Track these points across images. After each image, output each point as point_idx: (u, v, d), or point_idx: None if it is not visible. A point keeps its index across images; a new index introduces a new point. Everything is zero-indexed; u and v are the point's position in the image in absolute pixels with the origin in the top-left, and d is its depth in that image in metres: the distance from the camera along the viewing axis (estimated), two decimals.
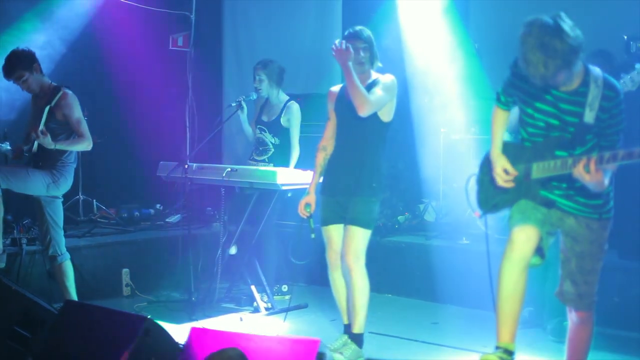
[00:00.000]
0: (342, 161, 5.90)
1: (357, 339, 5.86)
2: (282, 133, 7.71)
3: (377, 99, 5.71)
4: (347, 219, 5.81)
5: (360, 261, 5.78)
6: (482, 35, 8.89)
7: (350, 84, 5.64)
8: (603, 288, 4.83)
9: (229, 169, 7.11)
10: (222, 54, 10.78)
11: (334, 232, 5.93)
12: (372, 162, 5.83)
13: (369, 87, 5.77)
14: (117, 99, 9.76)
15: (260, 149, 7.80)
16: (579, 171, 4.35)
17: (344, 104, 5.85)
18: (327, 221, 5.96)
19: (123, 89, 9.83)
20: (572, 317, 4.82)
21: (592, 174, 4.30)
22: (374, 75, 5.90)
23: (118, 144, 9.51)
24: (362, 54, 5.78)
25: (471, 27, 9.14)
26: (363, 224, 5.76)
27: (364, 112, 5.63)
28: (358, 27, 5.91)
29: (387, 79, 5.85)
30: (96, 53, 9.50)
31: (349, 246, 5.77)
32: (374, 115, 5.75)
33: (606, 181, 4.44)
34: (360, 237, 5.77)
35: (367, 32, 5.89)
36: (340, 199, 5.85)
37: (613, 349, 6.09)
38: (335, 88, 6.07)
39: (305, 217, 5.98)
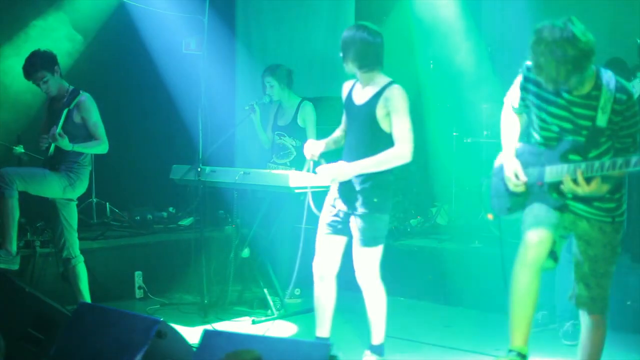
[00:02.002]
0: None
1: (378, 350, 5.78)
2: (301, 134, 7.74)
3: (408, 134, 5.44)
4: (354, 238, 5.58)
5: (371, 280, 5.61)
6: (495, 38, 8.90)
7: (379, 168, 5.46)
8: (616, 291, 4.83)
9: (242, 172, 7.11)
10: (234, 57, 10.80)
11: (325, 243, 5.70)
12: (374, 176, 5.48)
13: (375, 96, 5.47)
14: (130, 102, 9.79)
15: (282, 153, 7.82)
16: (569, 186, 4.39)
17: (349, 107, 5.68)
18: (322, 229, 5.72)
19: (136, 92, 9.87)
20: (585, 321, 4.82)
21: (582, 186, 4.35)
22: (380, 80, 5.55)
23: (131, 147, 9.54)
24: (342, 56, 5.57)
25: (484, 30, 9.15)
26: (367, 244, 5.52)
27: (406, 156, 5.43)
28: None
29: (398, 101, 5.46)
30: (109, 56, 9.53)
31: (357, 267, 5.61)
32: (377, 127, 5.47)
33: (604, 188, 4.45)
34: (367, 257, 5.55)
35: (345, 38, 5.52)
36: (340, 212, 5.63)
37: (626, 353, 6.07)
38: (348, 84, 5.78)
39: (308, 158, 5.79)
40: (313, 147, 5.75)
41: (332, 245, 5.68)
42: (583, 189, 4.39)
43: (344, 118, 5.82)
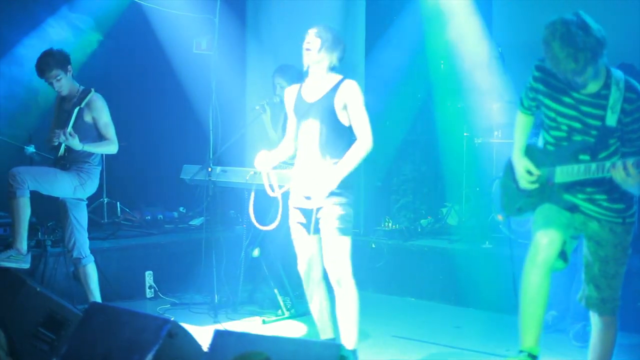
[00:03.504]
0: (306, 168, 5.60)
1: (353, 356, 5.56)
2: None
3: (368, 126, 5.45)
4: (323, 230, 5.50)
5: (346, 273, 5.48)
6: (506, 38, 8.89)
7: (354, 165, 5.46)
8: (627, 293, 4.82)
9: (252, 172, 7.11)
10: (245, 57, 10.80)
11: (302, 245, 5.69)
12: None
13: (332, 90, 5.48)
14: (141, 102, 9.80)
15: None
16: (620, 177, 4.35)
17: (301, 108, 5.65)
18: (295, 232, 5.70)
19: (147, 92, 9.88)
20: (595, 322, 4.81)
21: (633, 177, 4.31)
22: (334, 77, 5.57)
23: (142, 147, 9.55)
24: (310, 41, 5.54)
25: (495, 31, 9.13)
26: (343, 232, 5.45)
27: (370, 146, 5.44)
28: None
29: (356, 94, 5.48)
30: (120, 56, 9.54)
31: (328, 261, 5.52)
32: (335, 120, 5.48)
33: None
34: (336, 248, 5.46)
35: (330, 30, 5.56)
36: (307, 210, 5.56)
37: (637, 354, 6.06)
38: (292, 89, 5.83)
39: (260, 170, 5.84)
40: (265, 160, 5.81)
41: (309, 246, 5.66)
42: (634, 179, 4.36)
43: (291, 125, 5.80)
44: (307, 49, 5.54)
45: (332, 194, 5.43)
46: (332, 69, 5.58)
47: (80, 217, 6.71)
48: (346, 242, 5.47)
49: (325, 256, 5.55)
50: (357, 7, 9.58)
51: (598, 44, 4.26)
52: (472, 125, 8.78)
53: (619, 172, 4.35)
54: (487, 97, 8.67)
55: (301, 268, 5.75)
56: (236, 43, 10.15)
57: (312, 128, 5.54)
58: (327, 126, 5.49)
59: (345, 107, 5.47)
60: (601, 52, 4.29)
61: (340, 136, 5.50)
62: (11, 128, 8.32)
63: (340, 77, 5.57)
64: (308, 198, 5.54)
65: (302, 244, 5.69)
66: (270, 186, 5.83)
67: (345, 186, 5.46)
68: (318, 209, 5.48)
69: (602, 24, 4.38)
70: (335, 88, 5.50)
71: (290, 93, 5.81)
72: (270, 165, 5.83)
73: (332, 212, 5.45)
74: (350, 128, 5.51)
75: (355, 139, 5.48)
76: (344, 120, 5.48)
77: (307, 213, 5.59)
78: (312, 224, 5.53)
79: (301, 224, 5.64)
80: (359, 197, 5.59)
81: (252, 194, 5.80)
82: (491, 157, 8.36)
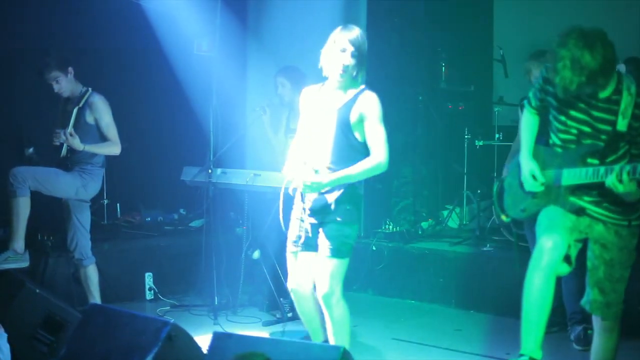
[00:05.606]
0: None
1: None
2: None
3: (384, 143, 5.10)
4: (318, 247, 5.19)
5: (334, 296, 5.15)
6: (507, 40, 8.89)
7: (357, 179, 5.18)
8: (630, 297, 4.81)
9: (253, 174, 7.11)
10: (246, 58, 10.78)
11: (296, 261, 5.35)
12: (345, 186, 5.13)
13: (350, 102, 5.12)
14: (141, 104, 9.78)
15: None
16: (611, 182, 4.34)
17: (318, 112, 5.27)
18: (291, 247, 5.36)
19: (147, 93, 9.86)
20: (598, 326, 4.79)
21: (625, 184, 4.29)
22: (352, 89, 5.21)
23: (142, 149, 9.53)
24: (348, 63, 5.13)
25: (496, 32, 9.14)
26: (335, 254, 5.11)
27: (382, 164, 5.10)
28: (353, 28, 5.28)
29: (373, 107, 5.13)
30: (120, 56, 9.53)
31: (319, 279, 5.19)
32: (350, 134, 5.12)
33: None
34: (332, 268, 5.12)
35: (365, 41, 5.26)
36: (308, 225, 5.24)
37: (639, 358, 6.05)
38: (311, 90, 5.42)
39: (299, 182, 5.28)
40: (295, 170, 5.33)
41: (303, 262, 5.33)
42: (624, 187, 4.34)
43: (304, 126, 5.42)
44: (344, 69, 5.14)
45: (331, 212, 5.15)
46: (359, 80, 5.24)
47: (83, 219, 6.71)
48: (337, 264, 5.15)
49: (315, 275, 5.25)
50: (359, 9, 9.57)
51: (600, 71, 4.24)
52: (473, 127, 8.77)
53: (612, 177, 4.35)
54: (488, 99, 8.68)
55: (291, 284, 5.45)
56: (237, 44, 10.12)
57: (323, 138, 5.20)
58: (339, 139, 5.14)
59: (361, 121, 5.11)
60: (602, 79, 4.27)
61: (352, 152, 5.14)
62: (11, 128, 8.30)
63: (361, 87, 5.22)
64: (312, 209, 5.23)
65: (297, 259, 5.38)
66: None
67: (347, 204, 5.15)
68: (320, 225, 5.21)
69: (605, 19, 4.37)
70: (354, 99, 5.14)
71: (307, 94, 5.43)
72: (303, 174, 5.27)
73: (327, 231, 5.16)
74: (365, 145, 5.16)
75: (367, 153, 5.15)
76: (357, 134, 5.13)
77: (309, 227, 5.26)
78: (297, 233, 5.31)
79: (300, 237, 5.30)
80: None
81: (281, 200, 5.34)
82: (492, 160, 8.35)
